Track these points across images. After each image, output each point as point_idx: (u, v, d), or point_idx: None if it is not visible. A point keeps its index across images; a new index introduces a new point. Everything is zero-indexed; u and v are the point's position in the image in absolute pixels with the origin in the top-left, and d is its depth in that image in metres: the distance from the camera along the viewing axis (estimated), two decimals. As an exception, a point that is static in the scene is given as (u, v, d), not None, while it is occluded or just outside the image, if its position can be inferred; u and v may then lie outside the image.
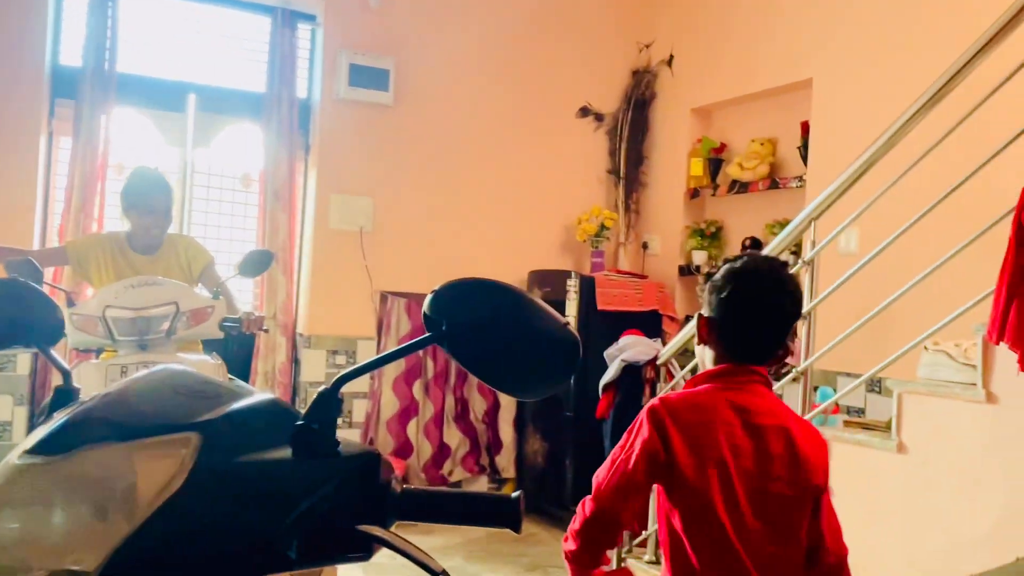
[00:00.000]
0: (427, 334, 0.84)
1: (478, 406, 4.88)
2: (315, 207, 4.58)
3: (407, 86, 4.71)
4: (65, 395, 0.98)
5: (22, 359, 3.93)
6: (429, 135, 4.79)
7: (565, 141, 5.13)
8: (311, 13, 4.58)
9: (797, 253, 3.89)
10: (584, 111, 5.17)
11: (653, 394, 3.45)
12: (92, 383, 2.43)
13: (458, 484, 4.75)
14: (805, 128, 4.12)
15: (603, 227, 4.91)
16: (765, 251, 3.02)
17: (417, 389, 4.69)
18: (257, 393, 0.88)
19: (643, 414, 1.46)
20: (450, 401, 4.82)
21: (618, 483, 1.44)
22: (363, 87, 4.55)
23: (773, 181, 4.30)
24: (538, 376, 0.85)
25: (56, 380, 3.32)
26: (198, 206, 4.47)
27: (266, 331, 3.20)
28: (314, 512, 0.78)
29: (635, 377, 3.48)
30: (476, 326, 0.83)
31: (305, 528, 0.77)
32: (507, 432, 4.88)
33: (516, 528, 0.82)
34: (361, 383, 4.62)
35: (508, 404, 4.91)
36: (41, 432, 0.79)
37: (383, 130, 4.68)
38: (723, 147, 4.74)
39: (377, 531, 0.78)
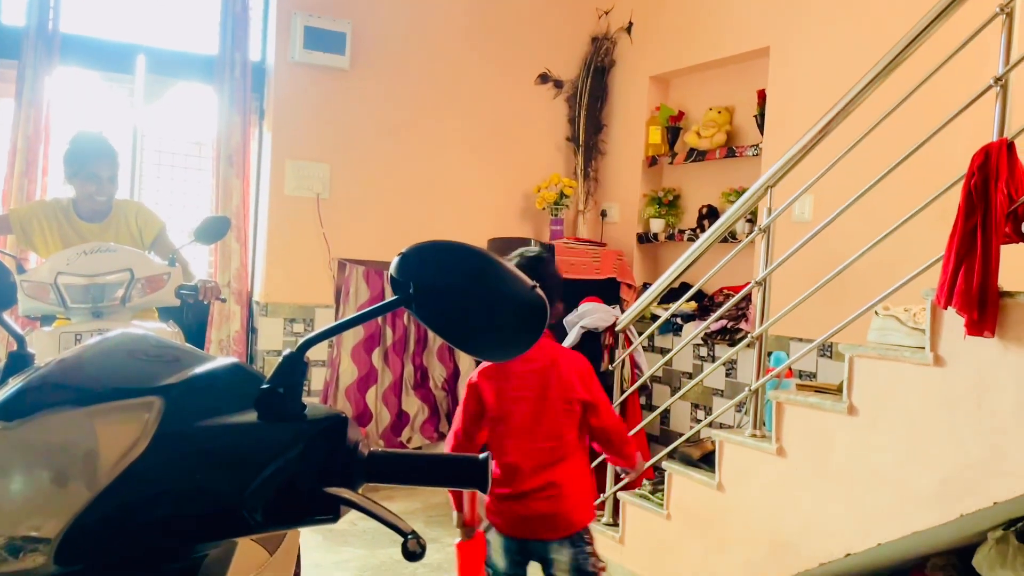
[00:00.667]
0: (393, 297, 0.83)
1: (437, 373, 4.89)
2: (270, 173, 4.49)
3: (364, 50, 4.63)
4: (20, 360, 0.96)
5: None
6: (386, 100, 4.73)
7: (524, 108, 5.10)
8: (263, -27, 4.47)
9: (753, 221, 3.96)
10: (543, 78, 5.14)
11: (612, 360, 3.48)
12: (46, 351, 2.37)
13: (418, 450, 4.76)
14: (762, 96, 4.15)
15: (562, 195, 4.92)
16: (722, 218, 3.05)
17: (376, 357, 4.67)
18: (219, 358, 0.87)
19: (468, 383, 2.16)
20: (409, 369, 4.81)
21: (463, 424, 2.14)
22: (319, 50, 4.46)
23: (730, 149, 4.33)
24: (505, 338, 0.85)
25: (8, 346, 3.26)
26: (149, 171, 4.36)
27: (223, 300, 3.15)
28: (280, 475, 0.77)
29: (594, 343, 3.52)
30: (443, 289, 0.83)
31: (271, 491, 0.77)
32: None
33: (484, 488, 0.83)
34: (320, 351, 4.59)
35: (468, 371, 4.92)
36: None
37: (340, 95, 4.60)
38: (681, 115, 4.76)
39: (345, 493, 0.78)
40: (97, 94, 4.26)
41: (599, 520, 3.43)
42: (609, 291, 4.51)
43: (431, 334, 4.88)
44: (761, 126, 4.13)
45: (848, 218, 2.55)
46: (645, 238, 4.85)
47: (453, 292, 0.83)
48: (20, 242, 3.06)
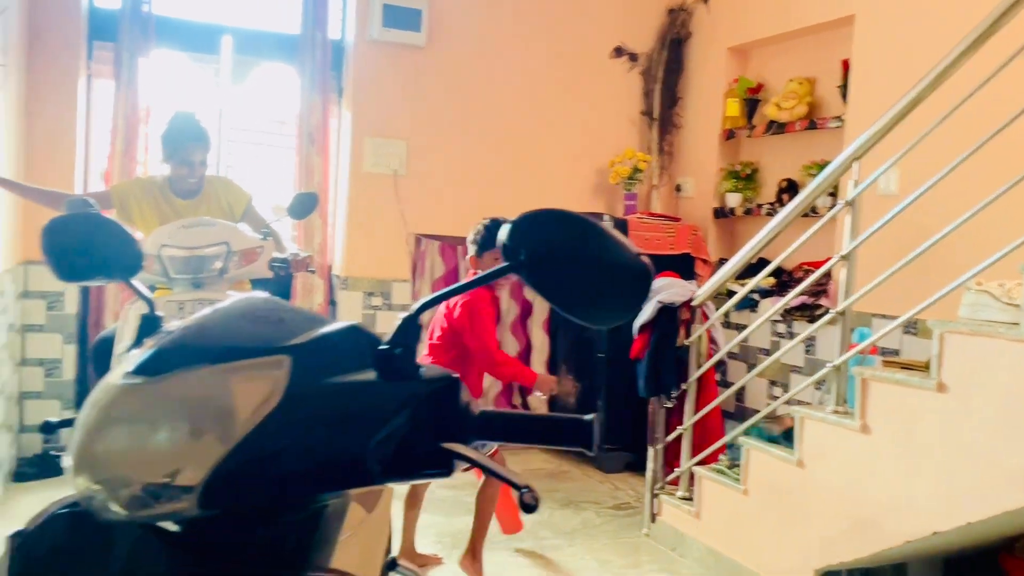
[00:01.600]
0: (504, 263, 0.87)
1: (510, 347, 4.95)
2: (350, 150, 4.59)
3: (440, 26, 4.66)
4: (151, 322, 1.03)
5: (70, 298, 4.04)
6: (462, 77, 4.76)
7: (598, 82, 5.07)
8: (343, -47, 4.53)
9: (833, 195, 3.87)
10: (618, 51, 5.09)
11: (688, 335, 3.47)
12: None
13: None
14: (846, 67, 4.04)
15: (636, 169, 4.89)
16: (805, 190, 3.00)
17: None
18: (338, 321, 0.92)
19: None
20: (483, 342, 4.88)
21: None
22: (396, 28, 4.51)
23: (811, 121, 4.23)
24: (612, 304, 0.88)
25: (106, 319, 3.41)
26: (236, 148, 4.51)
27: (313, 271, 3.28)
28: (399, 430, 0.82)
29: (670, 318, 3.51)
30: (553, 255, 0.85)
31: (391, 445, 0.81)
32: (540, 373, 4.95)
33: (590, 447, 0.86)
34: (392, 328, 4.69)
35: (540, 346, 4.98)
36: (139, 355, 0.83)
37: (416, 72, 4.66)
38: (760, 87, 4.66)
39: (462, 449, 0.82)
40: (186, 74, 4.41)
41: (674, 494, 3.44)
42: (684, 266, 4.48)
43: (504, 308, 4.94)
44: (844, 97, 4.02)
45: (936, 191, 2.48)
46: (721, 213, 4.79)
47: (562, 259, 0.86)
48: (119, 216, 3.21)
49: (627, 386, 3.86)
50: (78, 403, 4.10)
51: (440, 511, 3.66)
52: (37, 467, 3.86)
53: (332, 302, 4.65)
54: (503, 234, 0.87)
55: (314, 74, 4.41)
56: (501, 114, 4.87)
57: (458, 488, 3.81)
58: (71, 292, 4.04)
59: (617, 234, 0.87)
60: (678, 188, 5.09)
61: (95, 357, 3.02)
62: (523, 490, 0.80)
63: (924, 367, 2.51)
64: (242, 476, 0.78)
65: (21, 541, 0.84)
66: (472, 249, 2.97)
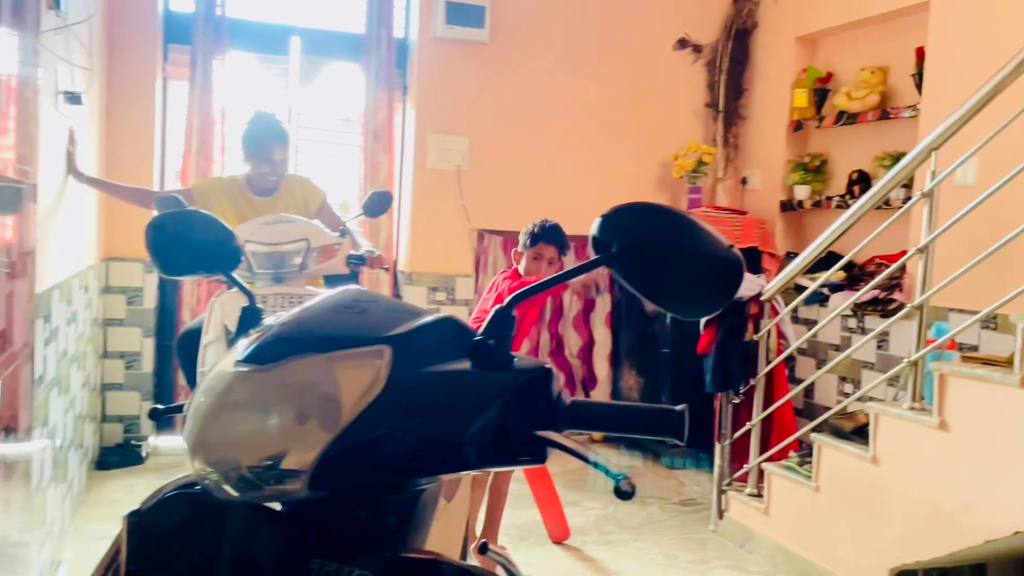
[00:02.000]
0: (595, 256, 0.88)
1: (573, 342, 4.96)
2: (414, 147, 4.65)
3: (503, 22, 4.69)
4: (252, 314, 1.07)
5: (148, 293, 4.19)
6: (524, 72, 4.78)
7: (661, 75, 5.03)
8: (407, -49, 4.59)
9: (907, 186, 3.78)
10: (682, 43, 5.04)
11: (756, 330, 3.43)
12: (234, 310, 2.60)
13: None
14: (920, 55, 3.92)
15: (701, 162, 4.84)
16: (880, 182, 2.94)
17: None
18: (433, 313, 0.94)
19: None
20: (545, 337, 4.91)
21: None
22: (459, 25, 4.55)
23: (884, 111, 4.13)
24: (702, 296, 0.88)
25: (183, 313, 3.53)
26: (304, 147, 4.61)
27: (387, 268, 3.37)
28: (495, 418, 0.84)
29: (738, 313, 3.47)
30: (644, 248, 0.87)
31: (487, 433, 0.84)
32: (602, 368, 4.96)
33: (681, 437, 0.87)
34: (461, 317, 4.74)
35: (603, 340, 4.97)
36: (248, 345, 0.87)
37: (479, 68, 4.69)
38: (829, 76, 4.57)
39: (557, 437, 0.84)
40: (256, 75, 4.53)
41: (742, 491, 3.41)
42: (751, 261, 4.42)
43: (567, 303, 4.95)
44: (919, 86, 3.92)
45: (1016, 181, 2.40)
46: (789, 206, 4.71)
47: (653, 251, 0.87)
48: None
49: (692, 381, 3.83)
50: (156, 394, 4.26)
51: (506, 504, 3.69)
52: (119, 455, 4.02)
53: (397, 297, 4.72)
54: (594, 228, 0.88)
55: (379, 72, 4.48)
56: (563, 108, 4.87)
57: (523, 481, 3.84)
58: (149, 287, 4.19)
59: (708, 226, 0.88)
60: (744, 181, 5.02)
61: (180, 349, 3.14)
62: (619, 478, 0.81)
63: (1006, 363, 2.44)
64: (347, 460, 0.81)
65: (138, 520, 0.88)
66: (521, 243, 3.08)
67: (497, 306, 0.88)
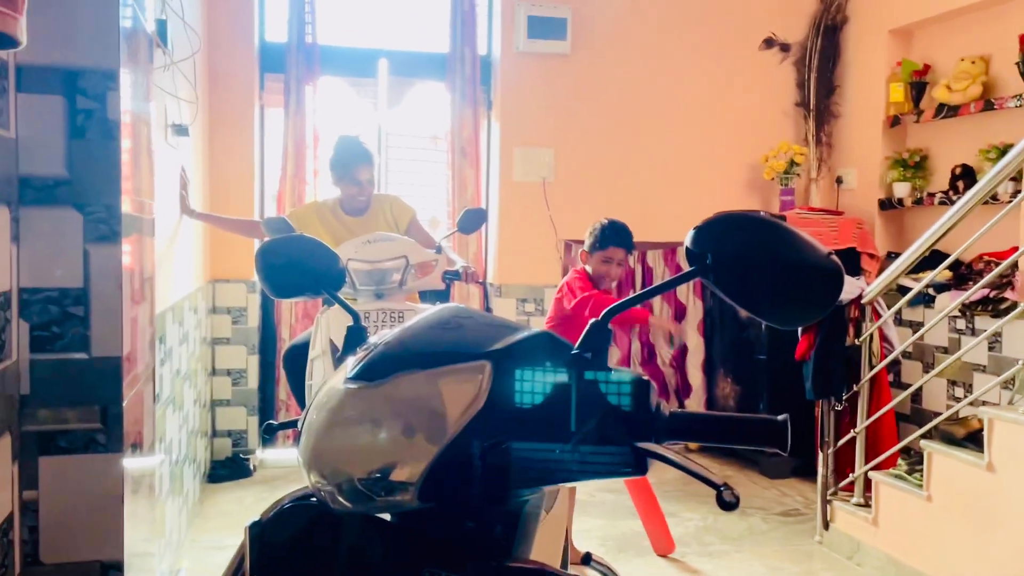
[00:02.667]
0: (690, 268, 0.89)
1: (665, 351, 4.91)
2: (499, 161, 4.71)
3: (584, 33, 4.71)
4: (357, 333, 1.12)
5: (252, 313, 4.38)
6: (608, 81, 4.78)
7: (748, 76, 4.94)
8: (488, -31, 4.67)
9: (1017, 179, 3.59)
10: (768, 42, 4.94)
11: (858, 335, 3.32)
12: (341, 324, 2.71)
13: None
14: (1024, 41, 3.74)
15: (792, 163, 4.72)
16: (987, 176, 2.81)
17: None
18: (530, 328, 0.97)
19: None
20: (636, 345, 4.88)
21: None
22: (541, 38, 4.60)
23: (987, 102, 3.95)
24: (801, 305, 0.88)
25: (283, 330, 3.67)
26: (393, 166, 4.73)
27: (481, 283, 3.47)
28: (595, 430, 0.86)
29: (838, 317, 3.37)
30: (739, 258, 0.87)
31: (588, 444, 0.85)
32: (695, 376, 4.88)
33: (784, 448, 0.86)
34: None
35: (696, 348, 4.90)
36: (356, 362, 0.91)
37: (562, 80, 4.72)
38: (927, 69, 4.39)
39: (657, 448, 0.85)
40: (346, 98, 4.68)
41: (848, 500, 3.30)
42: (849, 262, 4.28)
43: (657, 311, 4.90)
44: (1024, 74, 3.73)
45: None
46: (888, 204, 4.54)
47: (749, 261, 0.86)
48: None
49: (790, 388, 3.74)
50: (261, 409, 4.44)
51: (603, 514, 3.68)
52: (229, 469, 4.20)
53: (488, 309, 4.78)
54: (688, 240, 0.89)
55: (464, 89, 4.56)
56: (648, 115, 4.84)
57: (620, 491, 3.82)
58: (253, 307, 4.38)
59: (804, 234, 0.87)
60: (839, 180, 4.87)
61: (287, 363, 3.29)
62: (721, 488, 0.81)
63: None
64: (453, 472, 0.84)
65: (259, 531, 0.94)
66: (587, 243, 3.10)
67: (592, 320, 0.90)
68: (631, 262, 4.80)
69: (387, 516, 0.92)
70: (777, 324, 0.89)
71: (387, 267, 2.88)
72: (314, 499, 0.91)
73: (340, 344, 2.67)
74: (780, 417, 0.86)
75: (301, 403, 3.22)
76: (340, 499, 0.86)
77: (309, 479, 0.88)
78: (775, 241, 0.86)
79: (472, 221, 3.33)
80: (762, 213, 4.36)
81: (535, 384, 0.88)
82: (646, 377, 0.89)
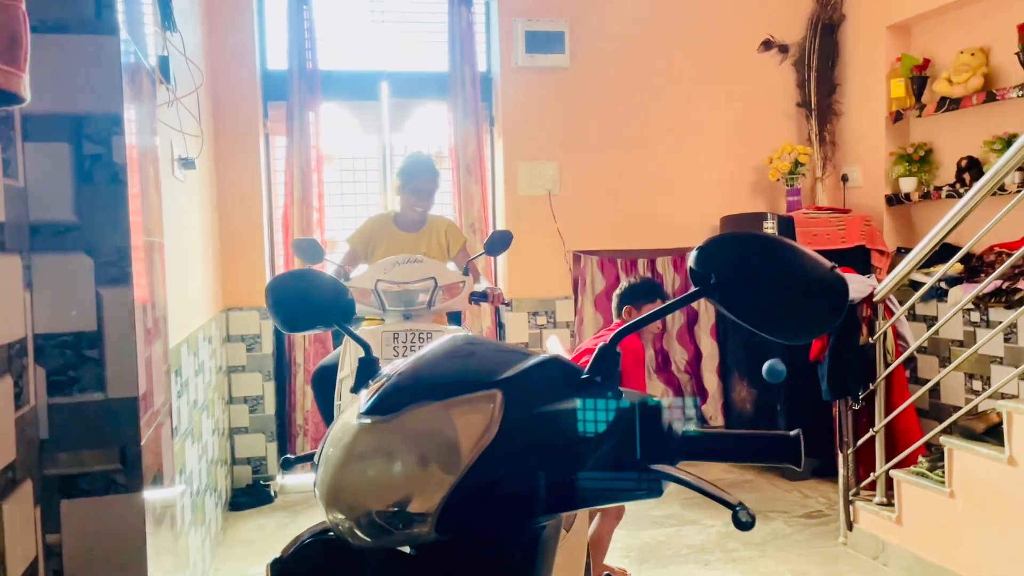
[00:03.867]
0: (695, 288, 0.89)
1: (679, 357, 4.90)
2: (504, 176, 4.73)
3: (582, 45, 4.73)
4: (369, 364, 1.13)
5: (266, 340, 4.40)
6: (608, 91, 4.80)
7: (748, 79, 4.95)
8: (484, -14, 4.70)
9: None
10: (767, 44, 4.95)
11: (872, 333, 3.31)
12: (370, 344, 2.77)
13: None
14: (1023, 31, 3.73)
15: (797, 163, 4.72)
16: (993, 168, 2.80)
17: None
18: (539, 354, 0.97)
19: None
20: (650, 353, 4.86)
21: None
22: (540, 52, 4.62)
23: (989, 93, 3.94)
24: (807, 320, 0.88)
25: (297, 355, 3.70)
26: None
27: (507, 304, 3.59)
28: (608, 454, 0.86)
29: (850, 316, 3.35)
30: (743, 276, 0.87)
31: (601, 469, 0.86)
32: (711, 381, 4.87)
33: (799, 464, 0.86)
34: (563, 341, 4.77)
35: (711, 353, 4.89)
36: (369, 396, 0.92)
37: (562, 92, 4.74)
38: (927, 63, 4.39)
39: (671, 470, 0.85)
40: (349, 122, 4.71)
41: (871, 500, 3.28)
42: (858, 260, 4.27)
43: (669, 318, 4.89)
44: (1026, 63, 3.72)
45: None
46: (895, 199, 4.53)
47: (753, 279, 0.87)
48: (363, 258, 3.60)
49: (807, 389, 3.72)
50: (279, 435, 4.45)
51: (625, 525, 3.66)
52: (250, 496, 4.21)
53: (499, 324, 4.79)
54: (691, 260, 0.89)
55: (466, 107, 4.59)
56: (650, 122, 4.85)
57: (642, 502, 3.81)
58: (267, 334, 4.40)
59: (807, 249, 0.88)
60: (844, 178, 4.86)
61: (316, 384, 3.33)
62: (736, 508, 0.81)
63: None
64: (470, 502, 0.85)
65: (280, 568, 0.94)
66: (615, 303, 3.00)
67: (600, 344, 0.91)
68: (642, 269, 4.80)
69: (407, 549, 0.92)
70: (783, 340, 0.90)
71: (415, 288, 2.95)
72: (333, 534, 0.92)
73: None
74: (792, 432, 0.86)
75: (328, 423, 3.26)
76: (359, 533, 0.86)
77: (327, 515, 0.89)
78: (778, 258, 0.87)
79: (499, 243, 3.42)
80: (766, 225, 4.35)
81: (546, 410, 0.89)
82: (658, 399, 0.89)
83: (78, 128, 1.33)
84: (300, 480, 4.48)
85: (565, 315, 4.79)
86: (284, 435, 4.49)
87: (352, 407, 0.94)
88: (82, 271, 1.34)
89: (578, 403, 0.89)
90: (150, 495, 1.51)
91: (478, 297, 3.22)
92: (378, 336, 2.89)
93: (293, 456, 1.20)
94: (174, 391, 2.55)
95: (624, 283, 3.04)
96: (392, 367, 1.00)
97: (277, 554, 0.99)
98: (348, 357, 2.90)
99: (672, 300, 0.92)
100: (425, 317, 3.00)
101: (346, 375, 2.88)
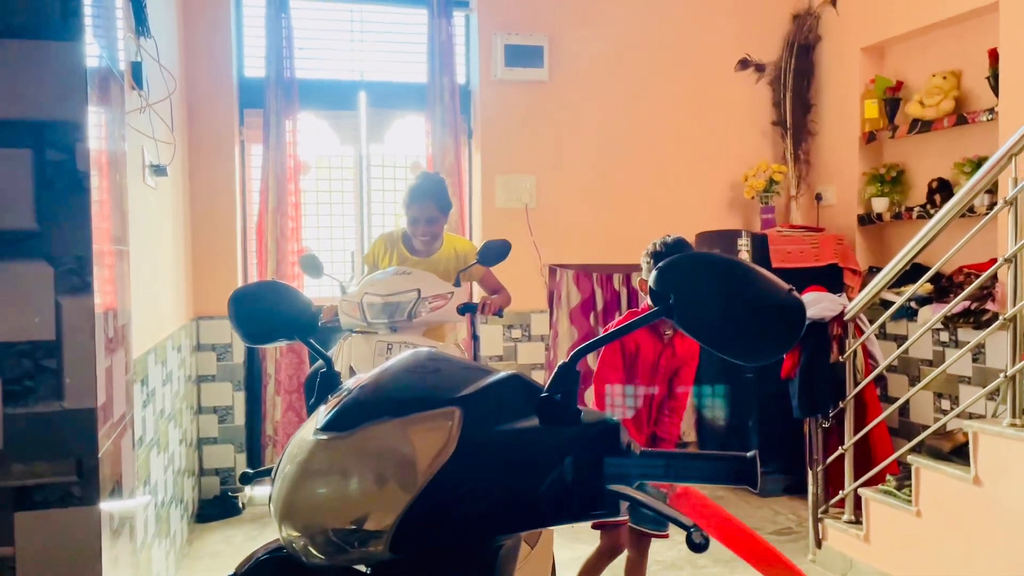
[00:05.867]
0: (654, 308, 0.89)
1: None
2: (481, 188, 4.73)
3: (561, 60, 4.75)
4: (330, 378, 1.11)
5: (237, 349, 4.35)
6: (586, 106, 4.82)
7: (725, 97, 5.00)
8: (463, 0, 4.71)
9: (993, 191, 3.64)
10: (744, 63, 5.01)
11: (841, 351, 3.34)
12: (362, 354, 2.79)
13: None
14: (994, 56, 3.80)
15: (772, 181, 4.77)
16: (961, 191, 2.85)
17: (591, 358, 4.76)
18: (500, 371, 0.97)
19: None
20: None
21: None
22: (519, 66, 4.64)
23: (960, 116, 4.00)
24: (765, 342, 0.88)
25: (268, 365, 3.66)
26: (376, 197, 4.74)
27: (499, 315, 3.39)
28: (565, 474, 0.86)
29: (821, 334, 3.38)
30: (702, 298, 0.87)
31: (558, 488, 0.85)
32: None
33: (754, 485, 0.86)
34: (537, 353, 4.77)
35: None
36: (326, 412, 0.91)
37: (541, 106, 4.76)
38: (900, 85, 4.46)
39: (626, 490, 0.84)
40: (326, 131, 4.70)
41: (840, 518, 3.30)
42: (831, 278, 4.31)
43: (645, 332, 4.91)
44: (995, 88, 3.78)
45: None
46: (867, 219, 4.58)
47: (712, 300, 0.87)
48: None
49: (779, 406, 3.74)
50: (248, 446, 4.40)
51: (595, 541, 3.65)
52: (217, 508, 4.16)
53: (475, 336, 4.76)
54: (651, 280, 0.89)
55: (444, 119, 4.59)
56: (627, 138, 4.88)
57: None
58: (238, 344, 4.35)
59: (764, 272, 0.88)
60: (819, 197, 4.92)
61: (308, 388, 3.30)
62: (691, 529, 0.81)
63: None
64: (426, 521, 0.84)
65: (234, 585, 0.93)
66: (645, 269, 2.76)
67: (561, 362, 0.90)
68: (617, 284, 4.81)
69: (363, 568, 0.91)
70: (742, 361, 0.90)
71: (399, 300, 2.88)
72: (287, 552, 0.90)
73: (360, 371, 2.71)
74: (749, 454, 0.86)
75: None
76: (313, 551, 0.85)
77: (280, 532, 0.87)
78: (736, 280, 0.87)
79: (495, 253, 3.17)
80: (740, 242, 4.38)
81: (505, 429, 0.88)
82: (616, 420, 0.89)
83: (40, 134, 1.31)
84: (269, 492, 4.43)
85: (540, 329, 4.79)
86: (254, 446, 4.44)
87: (310, 422, 0.93)
88: (41, 279, 1.32)
89: (536, 421, 0.88)
90: (107, 507, 1.49)
91: (467, 308, 3.09)
92: (372, 344, 2.85)
93: (252, 471, 1.18)
94: (139, 401, 2.51)
95: (653, 245, 2.79)
96: (353, 381, 0.99)
97: (232, 570, 0.97)
98: (340, 364, 2.85)
99: (630, 320, 0.92)
100: (411, 329, 2.89)
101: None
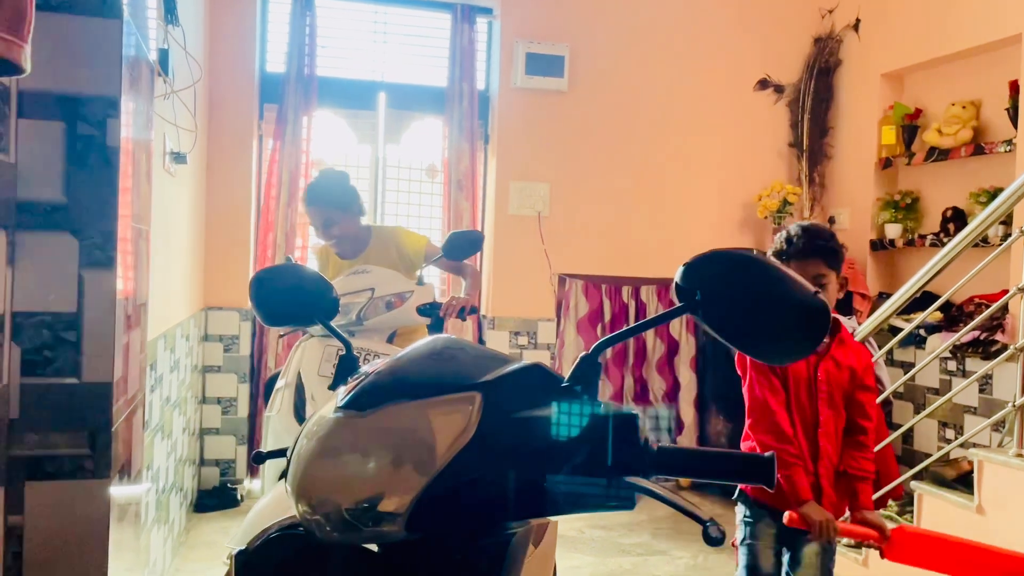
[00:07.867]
0: (679, 304, 0.90)
1: (657, 386, 4.90)
2: (495, 194, 4.75)
3: (581, 71, 4.77)
4: (349, 361, 1.12)
5: (244, 341, 4.36)
6: (604, 118, 4.84)
7: (743, 116, 5.01)
8: (488, 7, 4.74)
9: (1006, 223, 3.64)
10: (763, 83, 5.02)
11: (849, 373, 3.32)
12: (310, 358, 2.55)
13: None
14: (1014, 88, 3.80)
15: (786, 203, 4.77)
16: (976, 220, 2.85)
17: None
18: (523, 360, 0.97)
19: None
20: (629, 381, 4.87)
21: None
22: (539, 75, 4.66)
23: (977, 147, 4.00)
24: (788, 341, 0.89)
25: (270, 359, 3.58)
26: (390, 197, 4.76)
27: (465, 318, 2.86)
28: (582, 464, 0.86)
29: (828, 356, 3.37)
30: (727, 295, 0.88)
31: (575, 478, 0.86)
32: (688, 412, 4.87)
33: (770, 484, 0.86)
34: (542, 361, 4.76)
35: (688, 384, 4.90)
36: (347, 391, 0.92)
37: (559, 116, 4.78)
38: (918, 113, 4.46)
39: (646, 483, 0.85)
40: (343, 130, 4.72)
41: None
42: (840, 302, 4.29)
43: (650, 347, 4.91)
44: (1015, 120, 3.79)
45: None
46: (880, 245, 4.58)
47: (737, 298, 0.88)
48: None
49: (783, 426, 3.73)
50: (250, 439, 4.41)
51: (593, 551, 3.65)
52: (216, 498, 4.16)
53: (481, 341, 4.78)
54: (677, 276, 0.90)
55: (462, 123, 4.61)
56: (644, 152, 4.89)
57: (610, 528, 3.80)
58: (245, 335, 4.37)
59: (792, 273, 0.89)
60: (832, 220, 4.91)
61: (267, 392, 3.22)
62: (707, 523, 0.81)
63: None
64: (442, 503, 0.84)
65: (245, 559, 0.93)
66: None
67: (583, 354, 0.91)
68: (626, 296, 4.81)
69: (374, 547, 0.91)
70: (765, 360, 0.90)
71: (352, 301, 2.61)
72: (301, 528, 0.91)
73: (307, 379, 2.53)
74: (766, 454, 0.87)
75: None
76: (327, 529, 0.85)
77: (297, 508, 0.88)
78: (763, 279, 0.87)
79: (462, 246, 2.80)
80: (754, 251, 4.39)
81: (524, 416, 0.89)
82: (635, 411, 0.89)
83: (74, 108, 1.32)
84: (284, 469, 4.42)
85: (547, 337, 4.79)
86: (255, 439, 4.44)
87: (331, 402, 0.94)
88: (66, 252, 1.33)
89: (555, 410, 0.89)
90: (116, 488, 1.49)
91: (427, 309, 2.73)
92: (321, 349, 2.58)
93: (265, 451, 1.18)
94: (148, 385, 2.52)
95: (786, 231, 2.32)
96: (372, 365, 0.99)
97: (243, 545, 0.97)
98: (290, 368, 2.61)
99: (656, 315, 0.92)
100: (365, 333, 2.62)
101: (281, 386, 2.58)
